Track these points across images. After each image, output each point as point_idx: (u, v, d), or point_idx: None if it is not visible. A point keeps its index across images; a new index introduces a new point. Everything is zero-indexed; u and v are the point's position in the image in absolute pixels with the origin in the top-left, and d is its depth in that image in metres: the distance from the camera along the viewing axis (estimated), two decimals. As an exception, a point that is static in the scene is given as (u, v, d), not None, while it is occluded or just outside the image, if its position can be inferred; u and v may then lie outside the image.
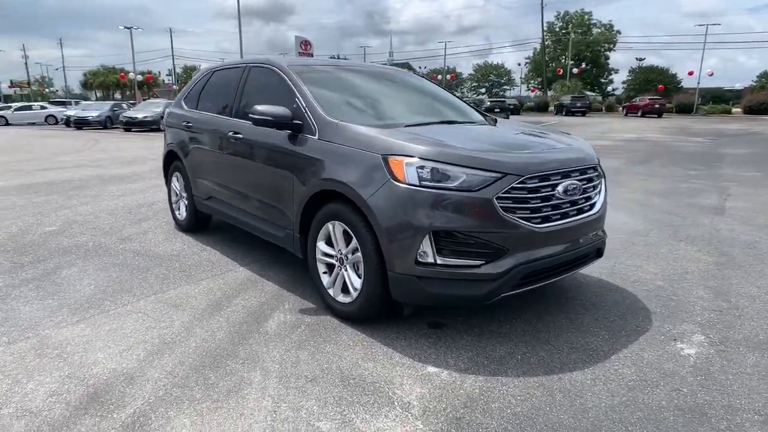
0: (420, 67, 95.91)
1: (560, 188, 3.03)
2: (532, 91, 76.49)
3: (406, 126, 3.57)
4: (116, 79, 68.16)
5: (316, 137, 3.42)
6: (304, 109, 3.60)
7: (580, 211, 3.21)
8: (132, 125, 24.93)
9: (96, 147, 16.82)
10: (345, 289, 3.31)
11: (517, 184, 2.86)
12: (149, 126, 24.58)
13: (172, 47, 78.33)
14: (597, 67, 77.54)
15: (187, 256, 4.75)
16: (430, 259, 2.82)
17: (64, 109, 33.74)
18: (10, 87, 76.21)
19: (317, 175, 3.34)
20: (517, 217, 2.85)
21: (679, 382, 2.61)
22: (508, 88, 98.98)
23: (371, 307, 3.14)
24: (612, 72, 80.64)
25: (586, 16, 77.81)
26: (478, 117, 4.43)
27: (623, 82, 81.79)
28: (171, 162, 5.63)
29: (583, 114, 44.67)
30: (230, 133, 4.31)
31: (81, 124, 27.64)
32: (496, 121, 4.43)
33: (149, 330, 3.21)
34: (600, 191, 3.45)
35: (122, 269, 4.36)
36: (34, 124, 34.16)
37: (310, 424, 2.29)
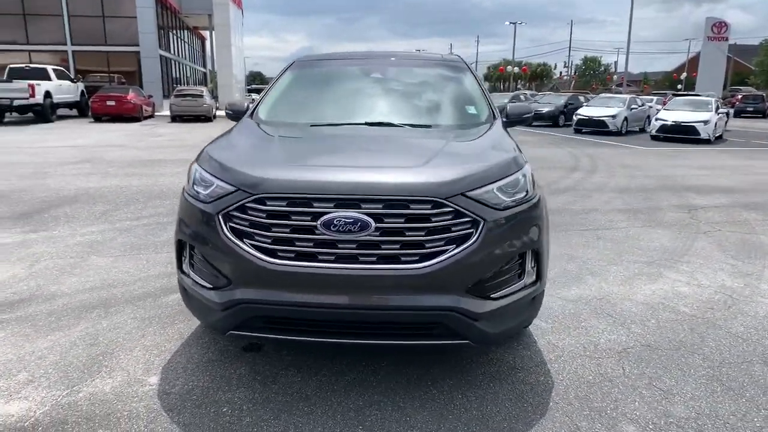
0: None
1: (321, 221, 2.22)
2: None
3: (311, 126, 3.26)
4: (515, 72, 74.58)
5: None
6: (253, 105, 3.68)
7: (385, 260, 2.24)
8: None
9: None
10: None
11: (251, 203, 2.30)
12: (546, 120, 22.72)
13: (570, 39, 79.09)
14: None
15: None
16: (186, 269, 2.64)
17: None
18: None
19: None
20: (250, 245, 2.30)
21: None
22: None
23: None
24: None
25: None
26: (459, 122, 3.40)
27: None
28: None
29: None
30: None
31: None
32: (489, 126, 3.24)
33: (126, 273, 4.12)
34: (459, 237, 2.26)
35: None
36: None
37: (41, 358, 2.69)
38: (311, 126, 3.25)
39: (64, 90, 20.93)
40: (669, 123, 17.20)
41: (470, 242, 2.26)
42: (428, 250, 2.24)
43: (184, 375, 2.68)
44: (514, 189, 2.47)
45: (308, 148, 2.91)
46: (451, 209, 2.26)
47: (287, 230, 2.27)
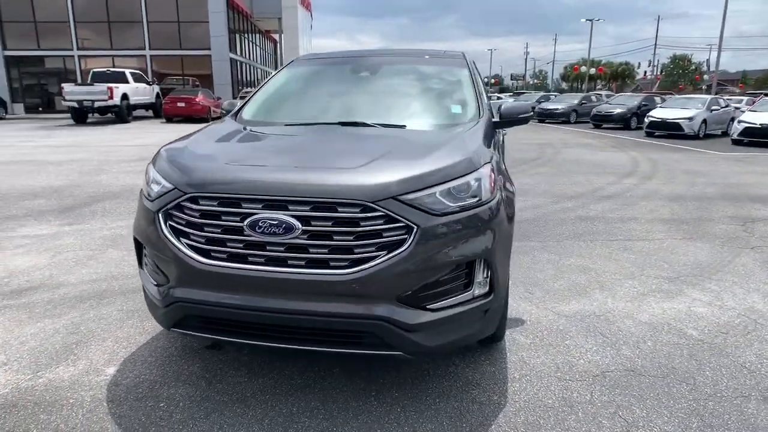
0: None
1: (247, 222, 2.19)
2: None
3: (286, 125, 3.24)
4: (591, 72, 71.10)
5: None
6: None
7: (313, 264, 2.18)
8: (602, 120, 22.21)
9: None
10: None
11: (185, 201, 2.32)
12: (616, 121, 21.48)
13: (657, 35, 74.03)
14: None
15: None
16: (143, 266, 2.71)
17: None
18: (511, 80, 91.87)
19: None
20: (186, 244, 2.32)
21: None
22: None
23: None
24: None
25: None
26: (438, 121, 3.23)
27: None
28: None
29: None
30: None
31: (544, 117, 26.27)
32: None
33: (132, 266, 4.33)
34: (391, 243, 2.15)
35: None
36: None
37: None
38: (285, 125, 3.24)
39: (140, 92, 22.57)
40: (755, 125, 15.57)
41: (402, 249, 2.15)
42: (357, 256, 2.16)
43: (140, 368, 2.76)
44: (465, 193, 2.32)
45: (258, 148, 2.89)
46: (381, 214, 2.15)
47: (219, 230, 2.26)
